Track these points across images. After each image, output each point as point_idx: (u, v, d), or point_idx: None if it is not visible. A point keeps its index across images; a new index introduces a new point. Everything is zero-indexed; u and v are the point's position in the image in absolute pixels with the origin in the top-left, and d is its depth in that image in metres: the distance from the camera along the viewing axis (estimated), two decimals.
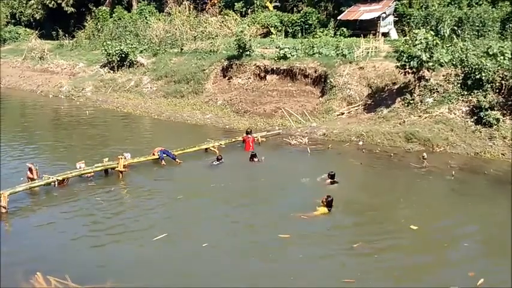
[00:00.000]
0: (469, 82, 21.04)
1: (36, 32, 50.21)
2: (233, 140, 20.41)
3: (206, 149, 19.20)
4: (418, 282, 10.03)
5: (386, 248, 11.49)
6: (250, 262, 10.67)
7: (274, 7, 40.26)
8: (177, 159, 17.58)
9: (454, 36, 26.45)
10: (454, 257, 11.02)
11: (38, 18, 52.08)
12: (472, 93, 20.80)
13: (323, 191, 13.97)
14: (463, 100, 20.99)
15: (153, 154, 17.52)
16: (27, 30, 52.02)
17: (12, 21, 53.35)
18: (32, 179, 14.64)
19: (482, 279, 9.75)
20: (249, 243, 11.55)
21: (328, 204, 13.07)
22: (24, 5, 52.99)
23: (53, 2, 49.69)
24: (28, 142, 21.21)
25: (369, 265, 10.62)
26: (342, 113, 23.77)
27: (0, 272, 9.87)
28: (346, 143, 20.48)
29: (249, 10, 40.03)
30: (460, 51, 22.78)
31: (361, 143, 20.26)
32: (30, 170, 14.85)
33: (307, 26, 35.18)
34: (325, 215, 12.92)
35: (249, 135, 19.97)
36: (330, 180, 15.34)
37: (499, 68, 20.69)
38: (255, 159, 17.68)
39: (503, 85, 20.30)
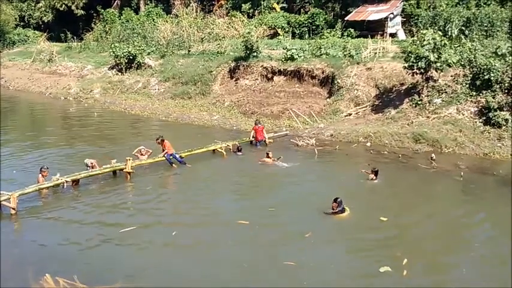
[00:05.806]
0: (478, 82, 20.94)
1: (45, 34, 50.70)
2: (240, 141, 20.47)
3: (214, 150, 19.26)
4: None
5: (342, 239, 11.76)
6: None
7: (281, 8, 40.33)
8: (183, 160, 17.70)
9: (462, 37, 26.33)
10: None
11: (46, 20, 52.51)
12: (481, 94, 20.70)
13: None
14: (471, 101, 20.90)
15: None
16: (36, 32, 52.44)
17: (21, 23, 53.73)
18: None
19: (406, 260, 10.22)
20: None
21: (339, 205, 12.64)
22: (32, 7, 53.43)
23: (63, 5, 50.11)
24: (38, 143, 21.33)
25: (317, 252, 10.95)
26: (350, 114, 23.71)
27: (0, 272, 9.95)
28: (353, 144, 20.41)
29: (256, 11, 40.17)
30: (468, 52, 22.66)
31: (368, 144, 20.19)
32: (42, 173, 14.86)
33: (315, 27, 35.25)
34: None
35: (258, 125, 20.55)
36: (373, 176, 15.45)
37: (507, 68, 20.58)
38: (269, 158, 17.74)
39: None
